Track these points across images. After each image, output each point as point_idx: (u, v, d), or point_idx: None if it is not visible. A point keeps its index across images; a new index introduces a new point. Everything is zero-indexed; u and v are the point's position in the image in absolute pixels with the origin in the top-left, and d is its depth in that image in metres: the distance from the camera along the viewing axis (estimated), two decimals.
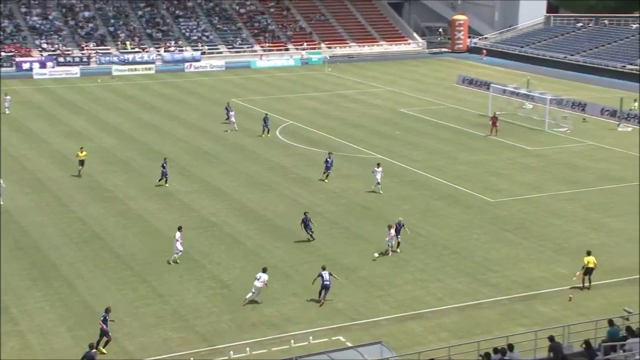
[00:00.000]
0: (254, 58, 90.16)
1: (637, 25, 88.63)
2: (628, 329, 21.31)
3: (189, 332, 26.35)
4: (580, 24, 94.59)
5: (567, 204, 39.17)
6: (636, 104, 60.76)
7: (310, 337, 25.72)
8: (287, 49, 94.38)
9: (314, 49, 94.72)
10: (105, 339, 24.87)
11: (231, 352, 24.88)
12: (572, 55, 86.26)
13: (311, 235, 33.96)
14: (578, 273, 29.63)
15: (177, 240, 31.60)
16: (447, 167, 45.58)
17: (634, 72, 77.75)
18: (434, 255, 32.47)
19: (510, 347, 21.25)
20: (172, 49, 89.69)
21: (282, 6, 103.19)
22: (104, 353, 24.70)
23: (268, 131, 52.95)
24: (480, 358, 20.64)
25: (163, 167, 41.64)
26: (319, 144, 51.35)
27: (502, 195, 40.70)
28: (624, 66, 79.38)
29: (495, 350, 21.01)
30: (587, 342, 21.18)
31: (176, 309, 27.85)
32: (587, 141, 52.43)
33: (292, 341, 25.51)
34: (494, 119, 54.04)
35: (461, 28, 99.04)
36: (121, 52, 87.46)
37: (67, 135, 53.25)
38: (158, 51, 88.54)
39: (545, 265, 31.59)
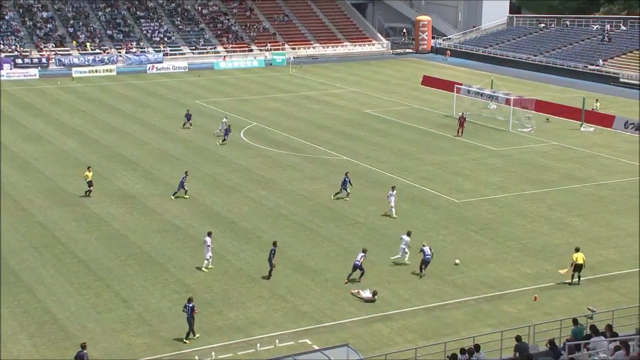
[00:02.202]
0: (217, 59, 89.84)
1: (598, 26, 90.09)
2: (592, 327, 21.62)
3: (153, 337, 26.12)
4: (543, 25, 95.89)
5: (532, 204, 39.64)
6: (598, 103, 61.72)
7: (277, 341, 25.67)
8: (250, 50, 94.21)
9: (278, 50, 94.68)
10: None
11: (196, 357, 24.72)
12: (535, 55, 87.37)
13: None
14: (566, 269, 30.11)
15: (209, 246, 30.81)
16: (413, 168, 45.86)
17: (595, 72, 79.01)
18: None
19: (477, 347, 21.44)
20: (134, 50, 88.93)
21: (245, 7, 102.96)
22: None
23: (224, 139, 51.82)
24: (447, 359, 20.78)
25: (183, 180, 40.11)
26: (284, 146, 51.31)
27: (468, 195, 41.06)
28: (586, 66, 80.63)
29: (462, 351, 21.18)
30: (551, 342, 21.46)
31: (140, 314, 27.60)
32: (551, 141, 53.14)
33: (258, 345, 25.44)
34: (462, 120, 54.50)
35: (425, 29, 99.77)
36: (81, 53, 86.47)
37: (27, 139, 52.49)
38: (119, 52, 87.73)
39: (510, 265, 31.93)
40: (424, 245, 30.82)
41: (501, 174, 45.13)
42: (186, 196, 40.02)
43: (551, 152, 50.14)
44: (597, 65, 79.73)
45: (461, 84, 66.16)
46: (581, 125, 57.29)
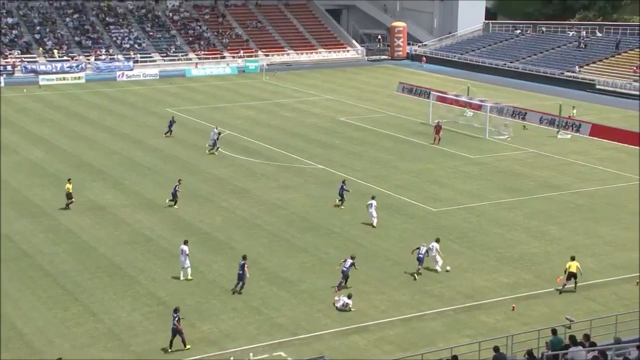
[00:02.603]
0: (189, 66, 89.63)
1: (574, 32, 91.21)
2: (571, 338, 21.78)
3: (123, 351, 25.89)
4: (519, 31, 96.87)
5: (509, 212, 39.92)
6: (574, 110, 62.40)
7: (251, 354, 25.56)
8: (223, 57, 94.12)
9: (251, 56, 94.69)
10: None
11: None
12: (511, 62, 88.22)
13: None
14: (560, 277, 30.49)
15: (187, 255, 30.97)
16: (389, 177, 46.00)
17: (572, 78, 79.93)
18: (376, 267, 32.67)
19: (455, 358, 21.51)
20: (103, 57, 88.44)
21: (218, 13, 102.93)
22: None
23: (217, 148, 51.77)
24: None
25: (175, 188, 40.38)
26: (257, 154, 51.25)
27: (445, 204, 41.27)
28: (562, 73, 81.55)
29: None
30: (529, 352, 21.59)
31: (110, 328, 27.36)
32: (528, 149, 53.62)
33: (232, 358, 25.31)
34: (438, 127, 54.78)
35: (400, 35, 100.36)
36: (48, 61, 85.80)
37: None
38: (88, 59, 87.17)
39: (488, 275, 32.11)
40: (422, 245, 32.01)
41: (478, 182, 45.43)
42: (176, 206, 40.05)
43: (528, 160, 50.58)
44: (574, 72, 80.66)
45: (437, 91, 66.55)
46: (558, 132, 57.87)
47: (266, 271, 32.18)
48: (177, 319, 25.75)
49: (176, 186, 40.50)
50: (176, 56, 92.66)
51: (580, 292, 30.41)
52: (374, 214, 37.68)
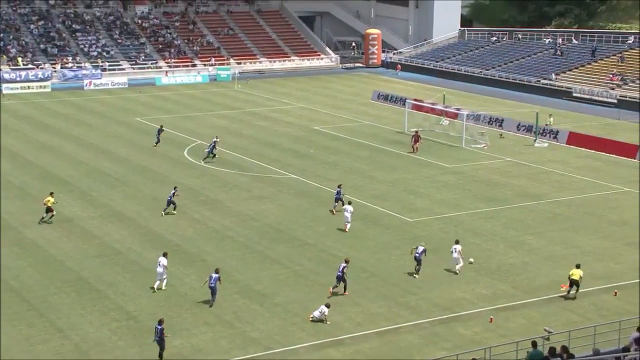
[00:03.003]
0: (158, 75, 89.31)
1: (550, 39, 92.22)
2: (551, 350, 21.89)
3: None
4: (495, 38, 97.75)
5: (486, 222, 40.16)
6: (551, 119, 63.02)
7: None
8: (194, 65, 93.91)
9: (223, 64, 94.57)
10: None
11: None
12: (487, 69, 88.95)
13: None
14: (565, 285, 31.06)
15: (165, 266, 31.27)
16: (365, 187, 46.10)
17: (548, 86, 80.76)
18: (351, 278, 32.62)
19: None
20: (70, 65, 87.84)
21: (188, 20, 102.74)
22: None
23: (214, 155, 52.01)
24: None
25: (171, 196, 40.83)
26: (230, 164, 51.13)
27: (421, 214, 41.42)
28: (539, 80, 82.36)
29: None
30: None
31: (78, 344, 27.07)
32: (505, 157, 54.03)
33: None
34: (416, 137, 54.96)
35: (375, 42, 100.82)
36: (12, 69, 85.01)
37: None
38: (54, 68, 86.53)
39: (465, 286, 32.24)
40: (421, 245, 33.33)
41: (455, 192, 45.67)
42: (174, 212, 40.57)
43: (505, 169, 50.97)
44: (550, 80, 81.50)
45: (413, 99, 66.91)
46: (535, 140, 58.39)
47: (239, 284, 32.06)
48: (161, 330, 25.68)
49: (173, 193, 40.97)
50: (146, 64, 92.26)
51: (557, 303, 30.65)
52: (349, 219, 38.25)
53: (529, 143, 58.33)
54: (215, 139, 53.21)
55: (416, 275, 32.79)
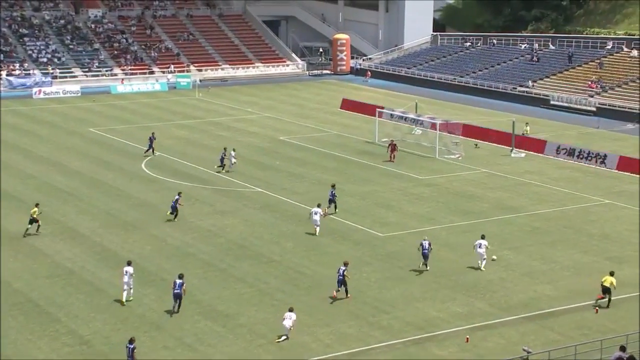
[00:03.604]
0: (114, 82, 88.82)
1: (526, 44, 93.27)
2: None
3: None
4: (469, 43, 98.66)
5: (462, 236, 40.36)
6: (528, 127, 63.64)
7: None
8: (152, 72, 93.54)
9: (183, 71, 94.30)
10: None
11: None
12: (461, 76, 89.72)
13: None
14: (599, 294, 31.80)
15: (131, 275, 31.81)
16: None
17: (525, 94, 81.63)
18: (320, 297, 32.62)
19: None
20: (17, 72, 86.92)
21: (145, 24, 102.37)
22: None
23: (223, 167, 52.14)
24: None
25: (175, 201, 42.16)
26: (191, 177, 50.89)
27: (393, 228, 41.52)
28: (515, 88, 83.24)
29: None
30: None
31: None
32: (480, 168, 54.44)
33: None
34: (392, 146, 55.43)
35: (343, 48, 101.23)
36: None
37: None
38: None
39: (440, 304, 32.35)
40: (424, 240, 35.58)
41: (428, 205, 45.88)
42: (175, 219, 41.68)
43: (481, 180, 51.34)
44: (527, 87, 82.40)
45: (383, 108, 67.24)
46: (512, 151, 58.92)
47: (201, 304, 31.85)
48: (132, 350, 25.80)
49: (177, 200, 41.95)
50: (100, 71, 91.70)
51: (536, 320, 30.86)
52: (318, 222, 39.80)
53: (505, 153, 58.85)
54: (232, 152, 53.02)
55: (428, 268, 35.38)
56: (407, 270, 35.67)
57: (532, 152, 58.90)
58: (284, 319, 29.19)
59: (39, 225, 39.56)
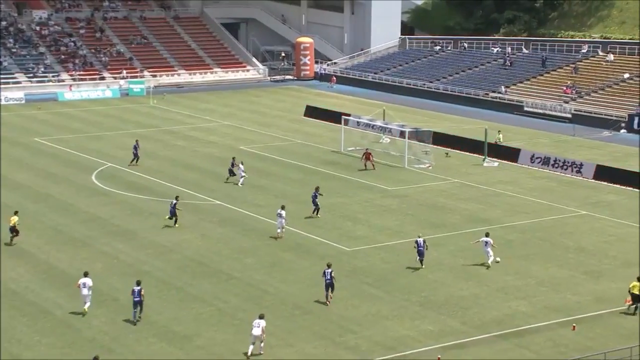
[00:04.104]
0: (61, 89, 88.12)
1: (499, 48, 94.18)
2: None
3: None
4: (439, 47, 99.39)
5: (433, 250, 40.46)
6: (501, 135, 64.21)
7: None
8: (102, 78, 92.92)
9: (136, 77, 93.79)
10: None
11: None
12: (430, 82, 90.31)
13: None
14: (628, 299, 32.33)
15: (90, 287, 32.31)
16: (297, 212, 46.07)
17: (497, 100, 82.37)
18: (283, 316, 32.54)
19: None
20: None
21: (95, 27, 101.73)
22: None
23: (231, 176, 52.66)
24: None
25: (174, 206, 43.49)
26: (145, 190, 50.57)
27: (360, 242, 41.58)
28: (487, 94, 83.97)
29: None
30: None
31: None
32: (452, 178, 54.77)
33: None
34: (367, 154, 56.11)
35: (307, 52, 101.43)
36: None
37: None
38: None
39: (410, 322, 32.42)
40: (418, 237, 37.81)
41: (397, 217, 46.03)
42: (176, 225, 43.10)
43: (452, 191, 51.64)
44: (499, 93, 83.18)
45: (349, 115, 67.44)
46: (484, 159, 59.37)
47: (156, 325, 31.60)
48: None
49: (175, 204, 43.17)
50: (46, 77, 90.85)
51: (511, 339, 31.04)
52: (283, 223, 41.57)
53: (477, 162, 59.28)
54: (233, 160, 53.36)
55: (423, 266, 37.54)
56: (375, 287, 35.71)
57: (505, 161, 59.40)
58: (253, 327, 29.14)
59: (15, 235, 40.07)
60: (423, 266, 37.67)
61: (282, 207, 42.25)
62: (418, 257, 37.70)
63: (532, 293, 35.43)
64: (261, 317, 29.58)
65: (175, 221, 43.32)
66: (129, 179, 53.34)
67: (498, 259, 38.31)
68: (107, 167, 56.22)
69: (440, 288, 35.86)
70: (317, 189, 45.94)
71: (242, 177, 51.94)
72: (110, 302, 33.67)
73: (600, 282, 36.56)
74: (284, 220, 41.69)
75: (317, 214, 45.16)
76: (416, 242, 37.77)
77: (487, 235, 38.50)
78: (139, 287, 31.70)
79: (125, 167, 56.28)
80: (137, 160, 56.67)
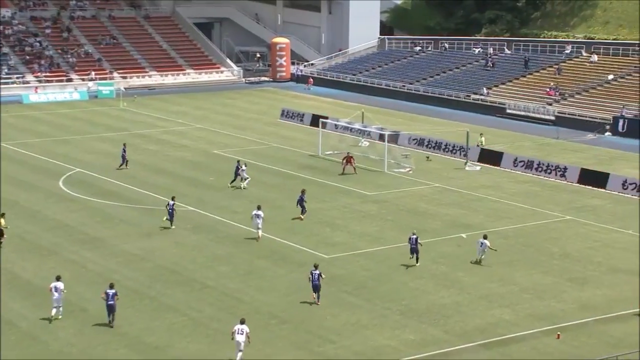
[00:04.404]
0: (26, 91, 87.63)
1: (480, 49, 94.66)
2: None
3: None
4: (419, 48, 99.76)
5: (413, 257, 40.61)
6: (483, 138, 64.50)
7: None
8: (69, 80, 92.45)
9: (105, 79, 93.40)
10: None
11: None
12: (410, 83, 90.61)
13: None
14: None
15: (62, 290, 32.71)
16: (273, 219, 46.04)
17: (479, 102, 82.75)
18: (259, 326, 32.46)
19: None
20: None
21: (62, 26, 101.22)
22: None
23: (239, 180, 52.92)
24: None
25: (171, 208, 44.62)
26: (115, 196, 50.36)
27: (339, 249, 41.60)
28: (468, 96, 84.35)
29: None
30: None
31: None
32: (433, 183, 54.94)
33: None
34: (348, 158, 56.04)
35: (283, 53, 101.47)
36: None
37: None
38: None
39: (390, 332, 32.46)
40: (412, 234, 39.37)
41: (377, 223, 46.10)
42: (172, 226, 43.95)
43: (433, 196, 51.80)
44: (481, 95, 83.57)
45: (327, 118, 67.50)
46: (466, 163, 59.60)
47: (127, 336, 31.45)
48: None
49: (173, 204, 44.24)
50: (10, 78, 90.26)
51: (494, 348, 31.16)
52: (260, 224, 42.23)
53: (459, 166, 59.50)
54: (237, 164, 53.37)
55: (418, 264, 38.92)
56: (354, 295, 35.72)
57: (487, 165, 59.67)
58: (235, 332, 29.23)
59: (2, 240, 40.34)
60: (418, 264, 39.03)
61: (259, 207, 42.85)
62: (410, 255, 39.15)
63: (515, 301, 35.58)
64: (242, 322, 29.69)
65: (172, 222, 44.24)
66: (98, 184, 53.09)
67: (464, 235, 41.35)
68: (75, 172, 55.93)
69: (422, 296, 35.94)
70: (303, 192, 46.64)
71: (245, 179, 52.30)
72: (79, 313, 33.46)
73: (586, 289, 36.80)
74: (261, 221, 42.24)
75: (303, 214, 46.06)
76: (409, 238, 39.28)
77: (485, 237, 39.72)
78: (113, 291, 32.06)
79: (94, 172, 56.01)
80: (126, 164, 56.99)
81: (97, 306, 33.78)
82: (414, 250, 39.07)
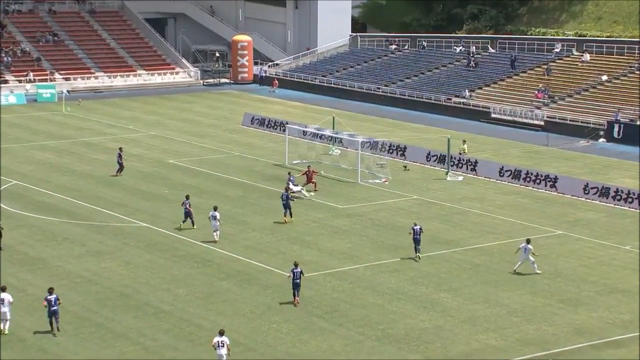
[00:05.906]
0: None
1: (462, 47, 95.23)
2: None
3: None
4: (394, 46, 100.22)
5: (391, 276, 40.72)
6: (465, 146, 64.85)
7: None
8: (5, 82, 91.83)
9: (45, 81, 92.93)
10: None
11: None
12: (385, 85, 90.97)
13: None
14: None
15: (10, 302, 33.60)
16: (236, 235, 46.03)
17: (461, 105, 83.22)
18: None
19: None
20: None
21: None
22: None
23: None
24: None
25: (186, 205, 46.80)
26: (58, 211, 50.06)
27: (309, 269, 41.54)
28: (449, 99, 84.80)
29: None
30: None
31: None
32: (411, 195, 55.13)
33: None
34: (310, 173, 54.66)
35: (245, 52, 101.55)
36: None
37: None
38: None
39: (365, 358, 32.50)
40: (415, 225, 41.91)
41: (350, 239, 46.18)
42: (194, 227, 46.69)
43: (411, 209, 51.98)
44: (463, 97, 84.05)
45: (294, 124, 67.56)
46: (447, 173, 59.88)
47: None
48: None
49: (188, 203, 46.77)
50: None
51: None
52: (217, 226, 44.30)
53: (439, 176, 59.76)
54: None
55: (419, 256, 41.83)
56: (326, 320, 35.75)
57: (471, 175, 59.95)
58: (217, 346, 29.53)
59: None
60: (419, 257, 42.00)
61: (215, 208, 44.76)
62: (414, 245, 42.16)
63: (502, 324, 35.76)
64: (222, 333, 30.09)
65: (193, 222, 46.68)
66: (39, 198, 52.77)
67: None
68: (12, 184, 55.54)
69: (400, 320, 36.03)
70: (287, 189, 49.59)
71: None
72: (16, 343, 33.17)
73: (579, 311, 37.04)
74: (218, 223, 44.22)
75: (290, 216, 48.35)
76: (412, 229, 42.05)
77: (528, 241, 41.15)
78: (54, 296, 33.09)
79: (34, 185, 55.65)
80: (121, 171, 57.88)
81: (37, 336, 33.54)
82: (417, 242, 41.78)
